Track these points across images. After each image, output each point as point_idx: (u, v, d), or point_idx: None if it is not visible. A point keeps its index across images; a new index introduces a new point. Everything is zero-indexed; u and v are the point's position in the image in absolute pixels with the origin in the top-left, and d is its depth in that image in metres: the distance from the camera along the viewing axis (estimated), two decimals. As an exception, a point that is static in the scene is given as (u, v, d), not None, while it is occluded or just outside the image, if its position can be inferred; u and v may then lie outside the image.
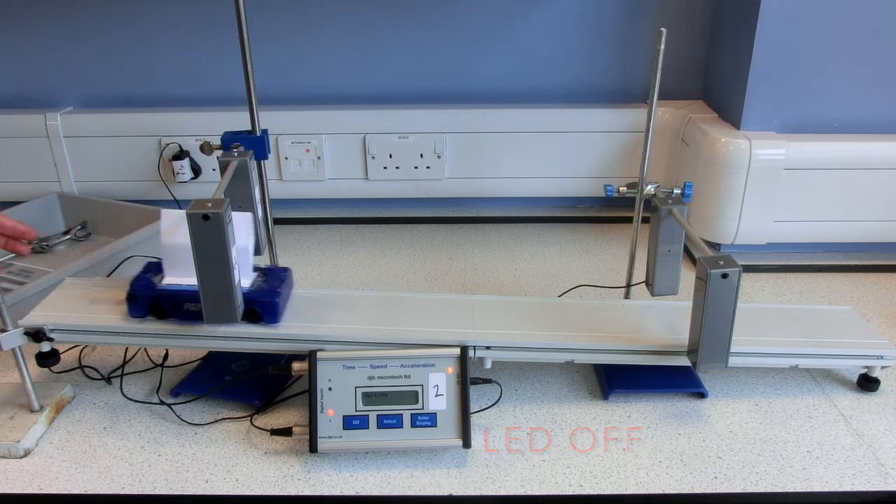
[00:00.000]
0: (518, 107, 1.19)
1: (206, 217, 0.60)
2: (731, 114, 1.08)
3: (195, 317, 0.69)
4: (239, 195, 0.74)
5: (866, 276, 1.04)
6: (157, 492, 0.65)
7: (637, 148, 1.17)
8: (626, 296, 0.87)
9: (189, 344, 0.72)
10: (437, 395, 0.68)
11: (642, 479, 0.66)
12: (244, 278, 0.71)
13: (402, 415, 0.68)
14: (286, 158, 1.19)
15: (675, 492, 0.65)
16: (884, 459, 0.68)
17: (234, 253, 0.64)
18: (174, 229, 0.68)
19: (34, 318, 0.72)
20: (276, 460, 0.68)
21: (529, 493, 0.65)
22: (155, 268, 0.72)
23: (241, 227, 0.69)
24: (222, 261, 0.62)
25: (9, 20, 1.17)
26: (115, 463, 0.68)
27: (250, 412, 0.74)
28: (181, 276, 0.69)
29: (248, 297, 0.69)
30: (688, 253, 1.09)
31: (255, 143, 0.78)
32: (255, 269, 0.74)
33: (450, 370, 0.69)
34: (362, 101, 1.22)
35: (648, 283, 0.82)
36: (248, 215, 0.70)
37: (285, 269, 0.76)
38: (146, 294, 0.69)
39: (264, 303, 0.70)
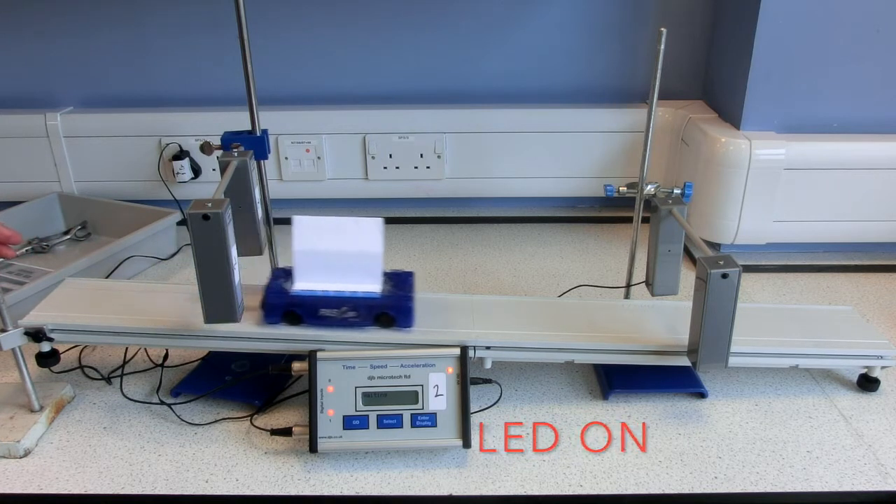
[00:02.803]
0: (518, 107, 1.19)
1: (206, 217, 0.60)
2: (731, 114, 1.08)
3: (331, 322, 0.70)
4: (239, 195, 0.74)
5: (866, 276, 1.04)
6: (157, 492, 0.65)
7: (637, 148, 1.17)
8: (626, 296, 0.87)
9: (189, 344, 0.72)
10: (437, 395, 0.68)
11: (642, 479, 0.66)
12: (374, 283, 0.71)
13: (402, 415, 0.68)
14: (286, 158, 1.19)
15: (675, 492, 0.65)
16: (884, 459, 0.68)
17: (234, 252, 0.64)
18: (307, 236, 0.69)
19: (34, 318, 0.72)
20: (276, 460, 0.68)
21: (529, 493, 0.65)
22: (283, 274, 0.73)
23: (373, 233, 0.69)
24: (222, 261, 0.62)
25: (9, 20, 1.17)
26: (115, 463, 0.68)
27: (250, 412, 0.74)
28: (313, 281, 0.70)
29: (383, 301, 0.70)
30: (688, 253, 1.09)
31: (255, 143, 0.78)
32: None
33: (450, 370, 0.69)
34: (362, 101, 1.22)
35: (648, 283, 0.82)
36: (378, 221, 0.69)
37: (410, 273, 0.75)
38: (281, 301, 0.70)
39: (400, 307, 0.70)
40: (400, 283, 0.73)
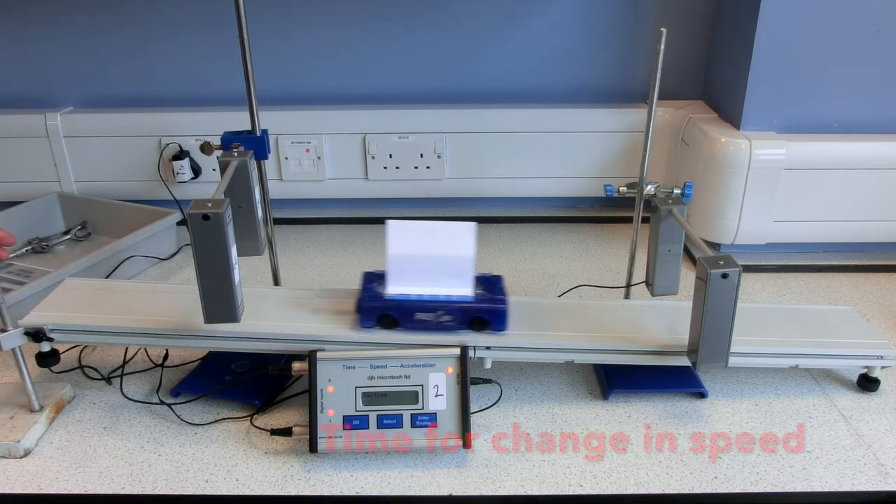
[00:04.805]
0: (518, 107, 1.19)
1: (206, 217, 0.60)
2: (731, 114, 1.08)
3: (426, 326, 0.70)
4: (239, 195, 0.74)
5: (866, 276, 1.04)
6: (157, 492, 0.65)
7: (637, 148, 1.17)
8: (626, 296, 0.87)
9: (189, 344, 0.72)
10: (437, 395, 0.68)
11: (642, 479, 0.66)
12: (466, 287, 0.71)
13: (402, 415, 0.68)
14: (286, 158, 1.19)
15: (675, 492, 0.65)
16: (884, 459, 0.68)
17: (234, 252, 0.64)
18: (400, 240, 0.69)
19: (34, 318, 0.72)
20: (276, 460, 0.68)
21: (529, 493, 0.65)
22: (376, 278, 0.73)
23: (465, 237, 0.69)
24: (222, 261, 0.62)
25: (9, 20, 1.17)
26: (115, 463, 0.68)
27: (250, 412, 0.74)
28: (407, 285, 0.70)
29: (477, 305, 0.70)
30: (688, 253, 1.09)
31: (255, 143, 0.78)
32: None
33: (450, 370, 0.69)
34: (362, 101, 1.22)
35: (648, 283, 0.82)
36: (471, 225, 0.69)
37: (499, 277, 0.75)
38: (377, 305, 0.70)
39: (494, 311, 0.70)
40: (490, 286, 0.73)
